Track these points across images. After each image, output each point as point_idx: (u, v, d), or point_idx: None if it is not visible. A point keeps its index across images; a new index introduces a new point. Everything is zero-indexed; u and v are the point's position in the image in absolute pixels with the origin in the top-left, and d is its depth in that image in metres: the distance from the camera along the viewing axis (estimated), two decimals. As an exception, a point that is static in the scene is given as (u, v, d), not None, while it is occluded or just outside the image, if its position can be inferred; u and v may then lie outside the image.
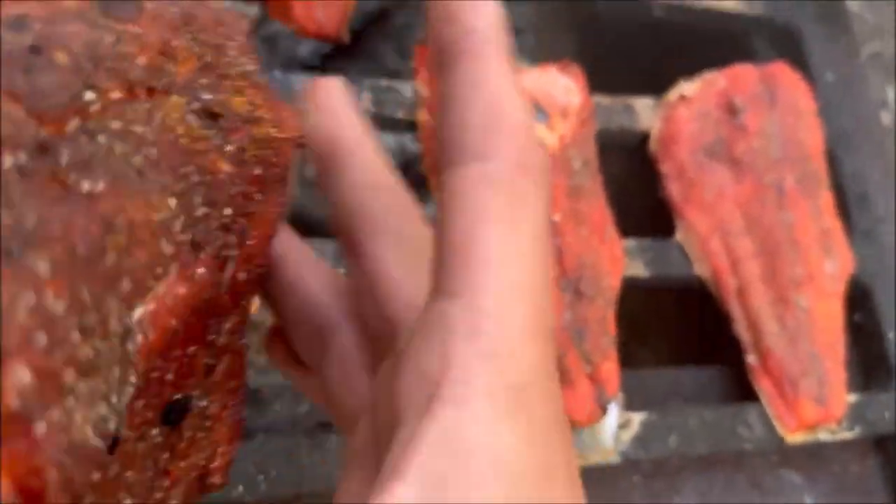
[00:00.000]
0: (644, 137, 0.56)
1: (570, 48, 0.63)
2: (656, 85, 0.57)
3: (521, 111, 0.19)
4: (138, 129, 0.17)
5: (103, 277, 0.15)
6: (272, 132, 0.20)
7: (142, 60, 0.17)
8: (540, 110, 0.51)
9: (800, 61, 0.62)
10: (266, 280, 0.23)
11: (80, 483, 0.15)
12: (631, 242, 0.52)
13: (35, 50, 0.15)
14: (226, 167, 0.19)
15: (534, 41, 0.63)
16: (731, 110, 0.54)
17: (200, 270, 0.18)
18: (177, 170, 0.17)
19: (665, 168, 0.54)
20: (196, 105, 0.18)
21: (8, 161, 0.14)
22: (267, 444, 0.40)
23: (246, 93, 0.20)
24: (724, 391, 0.54)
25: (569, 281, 0.47)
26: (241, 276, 0.20)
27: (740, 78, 0.55)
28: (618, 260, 0.50)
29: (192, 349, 0.19)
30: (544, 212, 0.19)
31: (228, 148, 0.19)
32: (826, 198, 0.55)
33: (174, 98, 0.18)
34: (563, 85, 0.52)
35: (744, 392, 0.52)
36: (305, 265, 0.24)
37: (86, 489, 0.16)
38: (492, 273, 0.18)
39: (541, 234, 0.19)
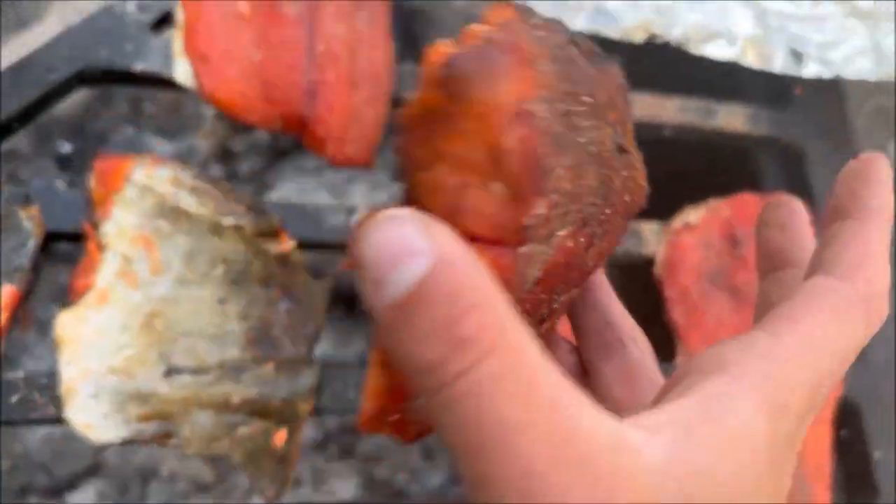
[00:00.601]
0: (650, 261, 0.59)
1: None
2: (664, 205, 0.60)
3: (887, 277, 0.24)
4: (593, 134, 0.24)
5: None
6: (638, 179, 0.27)
7: (612, 114, 0.25)
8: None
9: (804, 180, 0.66)
10: (581, 292, 0.30)
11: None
12: (634, 368, 0.55)
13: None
14: (618, 184, 0.25)
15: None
16: (733, 242, 0.58)
17: (581, 239, 0.24)
18: (598, 170, 0.24)
19: (669, 292, 0.58)
20: (615, 138, 0.25)
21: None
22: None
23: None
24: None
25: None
26: (590, 264, 0.26)
27: (744, 207, 0.59)
28: (620, 389, 0.53)
29: (543, 296, 0.24)
30: (852, 352, 0.23)
31: (623, 173, 0.26)
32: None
33: (608, 129, 0.25)
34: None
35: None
36: (608, 292, 0.30)
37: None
38: (801, 346, 0.22)
39: (838, 364, 0.23)
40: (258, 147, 0.89)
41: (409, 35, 0.90)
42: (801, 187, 0.65)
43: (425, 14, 0.89)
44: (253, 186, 0.88)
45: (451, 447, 0.18)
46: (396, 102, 0.56)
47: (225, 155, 0.90)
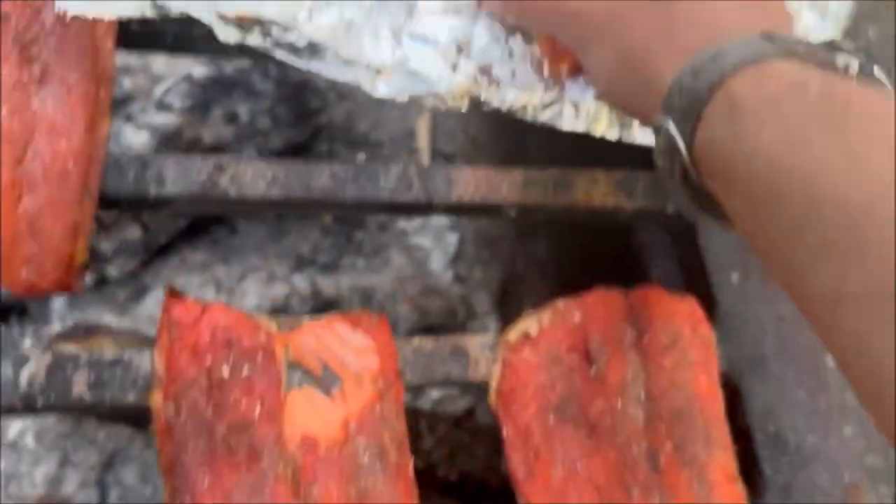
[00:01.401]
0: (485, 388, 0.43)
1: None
2: (499, 312, 0.45)
3: None
4: None
5: None
6: None
7: None
8: (330, 376, 0.40)
9: (696, 259, 0.51)
10: None
11: None
12: (451, 548, 0.39)
13: None
14: None
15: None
16: (587, 357, 0.42)
17: None
18: None
19: (506, 431, 0.42)
20: None
21: None
22: None
23: None
24: None
25: None
26: None
27: (599, 309, 0.43)
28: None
29: None
30: None
31: None
32: (721, 461, 0.43)
33: None
34: (356, 344, 0.40)
35: None
36: None
37: None
38: None
39: None
40: (129, 244, 0.77)
41: (302, 111, 0.77)
42: (693, 268, 0.50)
43: (319, 87, 0.76)
44: (126, 292, 0.76)
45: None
46: (112, 202, 0.42)
47: (91, 257, 0.78)
